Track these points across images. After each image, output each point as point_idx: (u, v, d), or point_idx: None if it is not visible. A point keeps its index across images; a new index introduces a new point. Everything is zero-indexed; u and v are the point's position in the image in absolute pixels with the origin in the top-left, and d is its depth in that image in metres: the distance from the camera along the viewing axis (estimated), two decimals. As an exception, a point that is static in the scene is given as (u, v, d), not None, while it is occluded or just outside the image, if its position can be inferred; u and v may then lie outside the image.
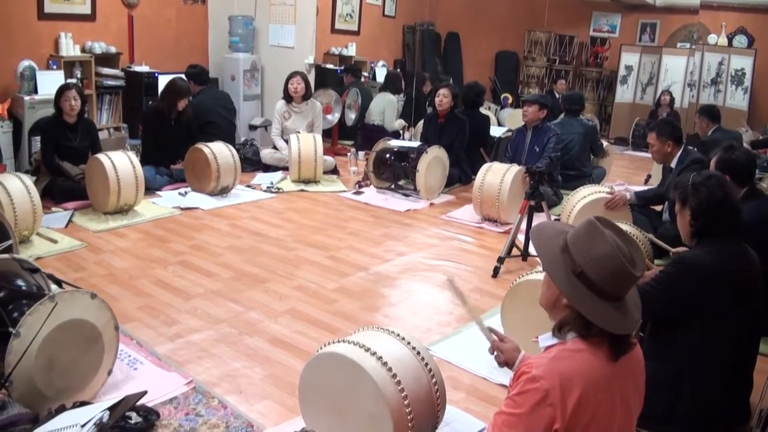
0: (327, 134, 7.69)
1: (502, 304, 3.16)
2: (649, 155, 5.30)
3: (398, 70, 10.20)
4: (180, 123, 5.94)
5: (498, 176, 5.30)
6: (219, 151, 5.62)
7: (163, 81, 6.45)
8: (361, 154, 7.39)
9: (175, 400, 2.66)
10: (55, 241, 4.36)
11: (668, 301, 2.47)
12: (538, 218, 4.30)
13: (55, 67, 6.13)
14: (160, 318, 3.40)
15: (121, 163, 4.88)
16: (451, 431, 2.51)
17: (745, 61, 9.67)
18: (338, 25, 9.71)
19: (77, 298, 2.45)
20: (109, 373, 2.64)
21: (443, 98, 6.41)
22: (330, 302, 3.73)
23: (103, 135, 6.26)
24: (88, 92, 6.15)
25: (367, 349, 2.17)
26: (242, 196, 5.81)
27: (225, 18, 7.82)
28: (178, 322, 3.36)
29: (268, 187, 6.11)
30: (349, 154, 7.42)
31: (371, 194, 6.14)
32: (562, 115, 6.89)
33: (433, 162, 5.97)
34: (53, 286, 2.77)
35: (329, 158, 6.78)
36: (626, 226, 3.81)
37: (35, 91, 5.88)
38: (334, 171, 6.80)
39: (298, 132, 6.44)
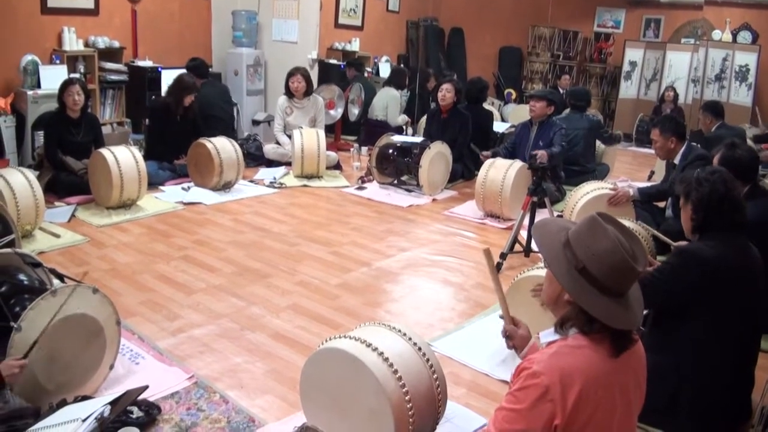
0: (330, 129, 7.68)
1: (504, 300, 3.15)
2: (652, 151, 5.28)
3: (402, 65, 10.18)
4: (186, 118, 5.96)
5: (501, 172, 5.29)
6: (222, 147, 5.62)
7: (166, 76, 6.45)
8: (364, 149, 7.38)
9: (177, 394, 2.66)
10: (57, 236, 4.37)
11: (671, 291, 2.47)
12: (541, 214, 4.29)
13: (58, 61, 6.14)
14: (162, 313, 3.40)
15: (124, 158, 4.88)
16: (452, 427, 2.51)
17: (750, 57, 9.62)
18: (342, 20, 9.69)
19: (79, 292, 2.46)
20: (111, 367, 2.64)
21: (446, 93, 6.39)
22: (332, 298, 3.74)
23: (106, 130, 6.26)
24: (91, 87, 6.15)
25: (369, 345, 2.18)
26: (245, 192, 5.81)
27: (228, 13, 7.81)
28: (180, 317, 3.37)
29: (271, 183, 6.11)
30: (352, 149, 7.41)
31: (374, 190, 6.14)
32: (567, 111, 6.87)
33: (436, 158, 5.96)
34: (55, 281, 2.78)
35: (332, 153, 6.78)
36: (629, 223, 3.80)
37: (38, 86, 5.89)
38: (337, 166, 6.80)
39: (301, 127, 6.44)
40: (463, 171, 6.63)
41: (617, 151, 7.65)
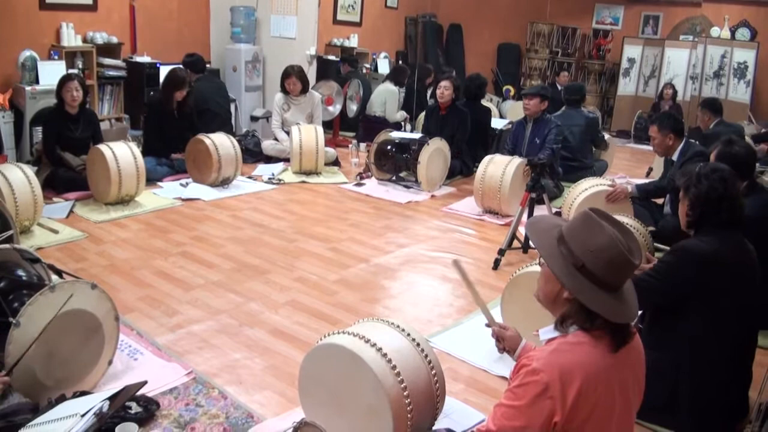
0: (328, 126, 7.68)
1: (502, 296, 3.16)
2: (650, 148, 5.28)
3: (401, 62, 10.16)
4: (182, 113, 5.95)
5: (499, 168, 5.29)
6: (220, 143, 5.61)
7: (164, 71, 6.43)
8: (363, 145, 7.38)
9: (175, 390, 2.67)
10: (56, 232, 4.36)
11: (668, 289, 2.48)
12: (539, 210, 4.30)
13: (56, 57, 6.12)
14: (160, 309, 3.41)
15: (122, 154, 4.88)
16: (451, 422, 2.52)
17: (748, 54, 9.63)
18: (340, 17, 9.67)
19: (78, 288, 2.46)
20: (110, 363, 2.64)
21: (445, 90, 6.39)
22: (330, 294, 3.74)
23: (104, 126, 6.25)
24: (90, 83, 6.13)
25: (367, 341, 2.18)
26: (243, 188, 5.81)
27: (227, 8, 7.79)
28: (179, 313, 3.37)
29: (269, 179, 6.11)
30: (350, 145, 7.41)
31: (372, 186, 6.14)
32: (564, 107, 6.87)
33: (435, 154, 5.96)
34: (54, 276, 2.78)
35: (330, 150, 6.78)
36: (627, 219, 3.81)
37: (36, 82, 5.87)
38: (336, 162, 6.80)
39: (299, 123, 6.43)
40: (462, 167, 6.63)
41: (616, 148, 7.65)
